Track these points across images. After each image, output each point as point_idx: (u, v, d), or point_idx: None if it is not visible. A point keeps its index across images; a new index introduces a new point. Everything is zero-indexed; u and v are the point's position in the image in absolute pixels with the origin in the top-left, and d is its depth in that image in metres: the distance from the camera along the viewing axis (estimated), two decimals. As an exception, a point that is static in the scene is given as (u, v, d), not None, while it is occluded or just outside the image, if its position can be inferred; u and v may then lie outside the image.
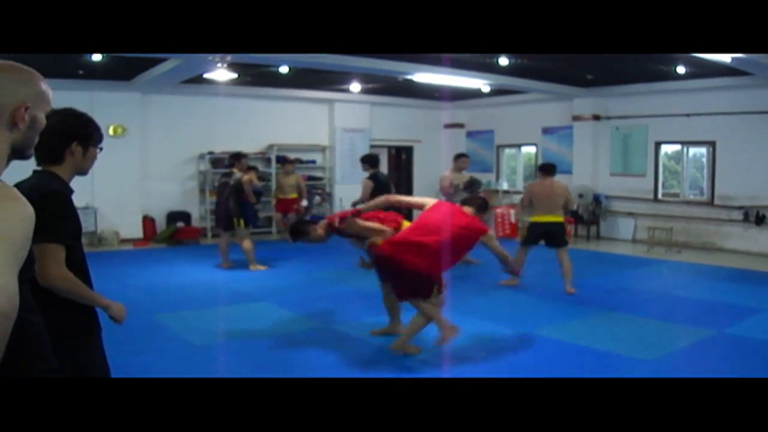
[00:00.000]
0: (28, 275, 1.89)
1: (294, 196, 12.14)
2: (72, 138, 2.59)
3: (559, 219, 8.51)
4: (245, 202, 9.75)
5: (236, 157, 10.10)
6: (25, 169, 2.32)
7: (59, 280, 2.47)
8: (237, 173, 9.80)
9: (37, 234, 2.39)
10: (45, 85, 1.79)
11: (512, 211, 13.96)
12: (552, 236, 8.44)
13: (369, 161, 9.88)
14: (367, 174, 9.67)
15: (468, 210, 5.91)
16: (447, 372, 5.22)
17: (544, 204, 8.43)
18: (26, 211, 1.55)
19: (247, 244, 9.77)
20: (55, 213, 2.47)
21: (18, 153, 1.75)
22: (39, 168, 2.62)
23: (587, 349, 5.87)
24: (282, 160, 12.22)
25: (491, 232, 6.15)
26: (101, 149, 2.77)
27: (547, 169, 8.77)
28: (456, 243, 5.45)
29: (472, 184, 10.09)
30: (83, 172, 2.71)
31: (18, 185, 2.33)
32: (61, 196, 2.56)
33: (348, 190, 13.29)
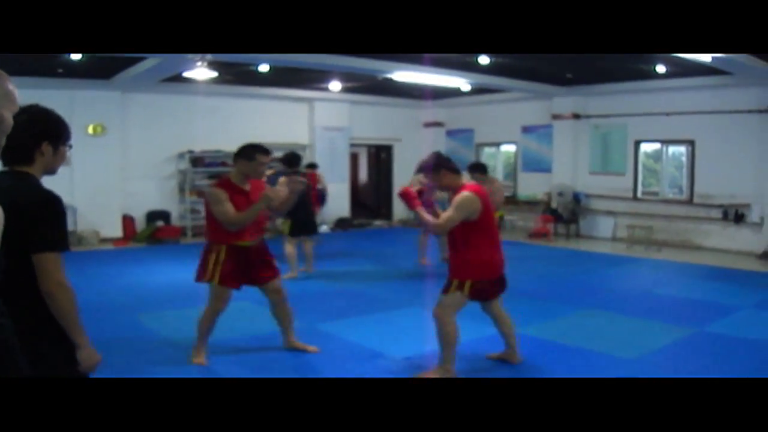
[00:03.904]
0: None
1: None
2: (43, 137, 2.45)
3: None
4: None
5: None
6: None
7: (62, 288, 2.38)
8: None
9: (44, 242, 2.34)
10: (12, 86, 1.75)
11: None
12: None
13: (283, 160, 9.24)
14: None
15: None
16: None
17: None
18: None
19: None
20: (59, 220, 2.41)
21: None
22: (6, 169, 2.47)
23: (567, 347, 5.89)
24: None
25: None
26: (71, 147, 2.63)
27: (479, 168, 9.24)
28: None
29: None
30: (53, 171, 2.56)
31: None
32: (61, 202, 2.45)
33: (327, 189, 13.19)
